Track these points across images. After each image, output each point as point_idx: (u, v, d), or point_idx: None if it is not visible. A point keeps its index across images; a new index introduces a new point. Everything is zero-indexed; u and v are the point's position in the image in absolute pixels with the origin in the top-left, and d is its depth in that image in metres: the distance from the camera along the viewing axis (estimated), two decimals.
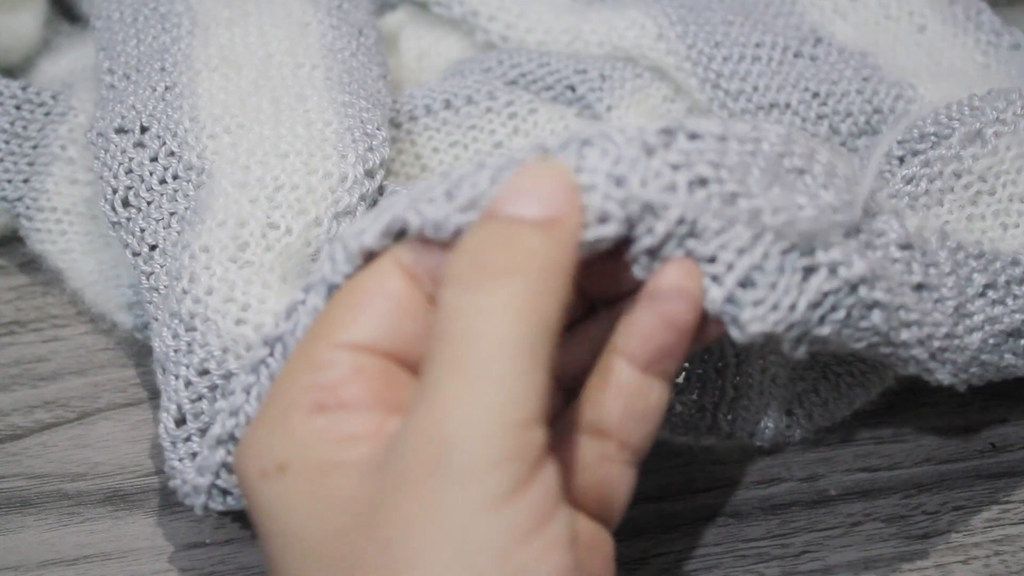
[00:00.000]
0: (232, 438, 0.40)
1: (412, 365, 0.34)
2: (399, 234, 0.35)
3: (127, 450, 0.49)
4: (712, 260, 0.35)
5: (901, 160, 0.47)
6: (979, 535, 0.47)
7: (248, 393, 0.39)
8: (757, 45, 0.56)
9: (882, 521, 0.47)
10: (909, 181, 0.47)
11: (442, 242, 0.34)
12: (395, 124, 0.55)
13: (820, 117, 0.54)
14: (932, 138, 0.47)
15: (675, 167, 0.34)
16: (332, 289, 0.36)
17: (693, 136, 0.35)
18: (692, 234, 0.35)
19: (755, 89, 0.55)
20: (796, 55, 0.55)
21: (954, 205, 0.47)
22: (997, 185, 0.47)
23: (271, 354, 0.38)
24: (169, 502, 0.47)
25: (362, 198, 0.47)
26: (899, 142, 0.47)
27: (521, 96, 0.56)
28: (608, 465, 0.36)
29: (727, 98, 0.55)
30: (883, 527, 0.47)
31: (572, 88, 0.56)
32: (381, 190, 0.48)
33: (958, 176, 0.47)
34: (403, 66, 0.61)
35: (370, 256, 0.35)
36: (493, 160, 0.35)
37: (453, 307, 0.31)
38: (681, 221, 0.34)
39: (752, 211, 0.35)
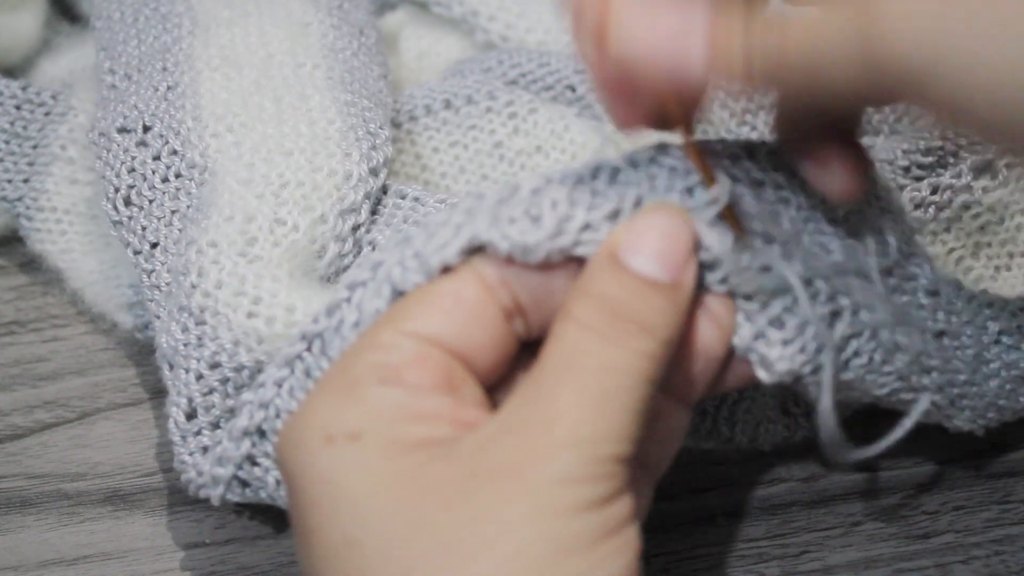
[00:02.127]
0: (259, 431, 0.40)
1: (475, 369, 0.35)
2: (476, 248, 0.35)
3: (127, 450, 0.49)
4: (748, 298, 0.35)
5: (906, 170, 0.47)
6: (979, 535, 0.47)
7: (280, 387, 0.39)
8: None
9: (882, 521, 0.47)
10: (918, 206, 0.47)
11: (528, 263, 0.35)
12: (395, 124, 0.55)
13: None
14: (938, 152, 0.47)
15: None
16: (398, 295, 0.36)
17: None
18: (736, 272, 0.35)
19: None
20: None
21: (961, 233, 0.47)
22: (1006, 215, 0.48)
23: (308, 349, 0.38)
24: (169, 502, 0.47)
25: (366, 196, 0.47)
26: (904, 151, 0.47)
27: (521, 96, 0.56)
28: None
29: (727, 98, 0.55)
30: (883, 527, 0.47)
31: (572, 88, 0.56)
32: (385, 189, 0.48)
33: (967, 207, 0.47)
34: (403, 66, 0.60)
35: (446, 269, 0.35)
36: (562, 174, 0.35)
37: (582, 347, 0.33)
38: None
39: (786, 253, 0.36)
